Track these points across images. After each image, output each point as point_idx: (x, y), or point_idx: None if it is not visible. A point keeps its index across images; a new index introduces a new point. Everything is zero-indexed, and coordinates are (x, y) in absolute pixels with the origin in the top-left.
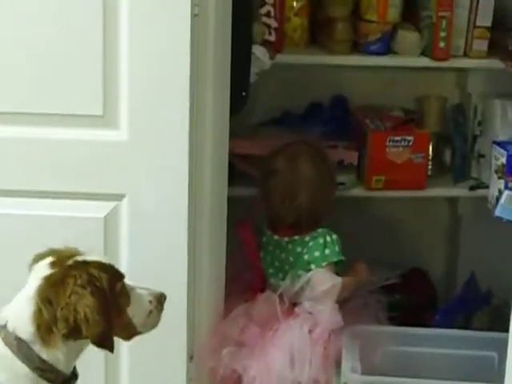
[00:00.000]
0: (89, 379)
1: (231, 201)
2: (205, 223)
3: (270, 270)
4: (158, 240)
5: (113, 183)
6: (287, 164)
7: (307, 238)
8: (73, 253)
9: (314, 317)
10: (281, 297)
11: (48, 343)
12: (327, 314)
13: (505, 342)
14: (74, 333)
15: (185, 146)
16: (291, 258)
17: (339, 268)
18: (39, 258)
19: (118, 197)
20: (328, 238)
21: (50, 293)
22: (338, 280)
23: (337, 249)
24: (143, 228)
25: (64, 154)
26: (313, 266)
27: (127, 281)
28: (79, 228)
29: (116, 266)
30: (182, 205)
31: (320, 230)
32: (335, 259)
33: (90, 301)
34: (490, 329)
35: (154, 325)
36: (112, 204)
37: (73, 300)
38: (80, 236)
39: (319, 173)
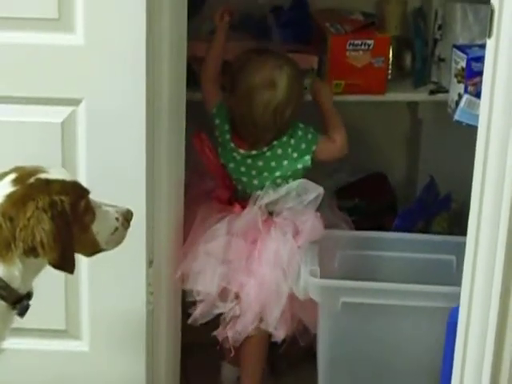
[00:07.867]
0: (48, 280)
1: (190, 105)
2: (163, 127)
3: (244, 179)
4: (116, 145)
5: (69, 88)
6: (285, 79)
7: (285, 138)
8: (36, 170)
9: (293, 223)
10: (260, 207)
11: (5, 259)
12: (310, 223)
13: (463, 246)
14: (31, 253)
15: (142, 49)
16: (273, 163)
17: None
18: (3, 175)
19: (75, 101)
20: (301, 125)
21: (12, 210)
22: (321, 189)
23: (311, 129)
24: (101, 133)
25: (19, 58)
26: (307, 157)
27: (92, 198)
28: (36, 134)
29: (79, 183)
30: (140, 109)
31: (289, 128)
32: (319, 136)
33: (48, 226)
34: (448, 233)
35: (118, 242)
36: (69, 109)
37: (31, 223)
38: (37, 142)
39: (300, 87)
